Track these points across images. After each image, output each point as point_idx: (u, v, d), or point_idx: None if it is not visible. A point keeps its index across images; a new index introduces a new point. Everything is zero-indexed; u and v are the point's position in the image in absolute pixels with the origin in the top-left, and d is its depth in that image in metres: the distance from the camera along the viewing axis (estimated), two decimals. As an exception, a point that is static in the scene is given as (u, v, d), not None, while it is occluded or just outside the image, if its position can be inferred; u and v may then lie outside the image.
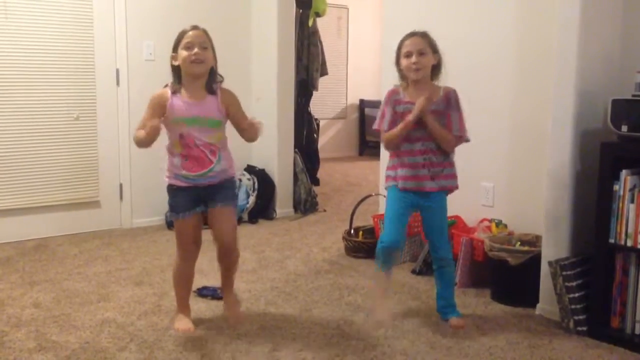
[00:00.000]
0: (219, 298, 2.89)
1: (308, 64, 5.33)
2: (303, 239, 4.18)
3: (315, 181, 5.62)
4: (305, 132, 5.43)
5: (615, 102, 2.53)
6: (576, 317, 2.59)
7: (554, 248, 2.73)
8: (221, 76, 2.52)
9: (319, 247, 3.99)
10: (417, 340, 2.52)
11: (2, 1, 3.80)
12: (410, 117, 2.52)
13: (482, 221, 3.31)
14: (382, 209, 3.90)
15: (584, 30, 2.60)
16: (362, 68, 8.78)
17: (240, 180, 4.58)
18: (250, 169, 4.78)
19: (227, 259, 2.60)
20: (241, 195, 4.56)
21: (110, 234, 4.21)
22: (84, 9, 4.10)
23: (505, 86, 3.27)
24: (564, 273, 2.60)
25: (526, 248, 2.93)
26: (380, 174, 3.89)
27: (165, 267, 3.46)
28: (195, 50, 2.37)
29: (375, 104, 8.06)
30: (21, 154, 3.96)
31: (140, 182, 4.37)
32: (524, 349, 2.45)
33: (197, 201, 2.50)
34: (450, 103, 2.58)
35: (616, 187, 2.48)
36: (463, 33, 3.40)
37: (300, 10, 5.16)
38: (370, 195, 4.00)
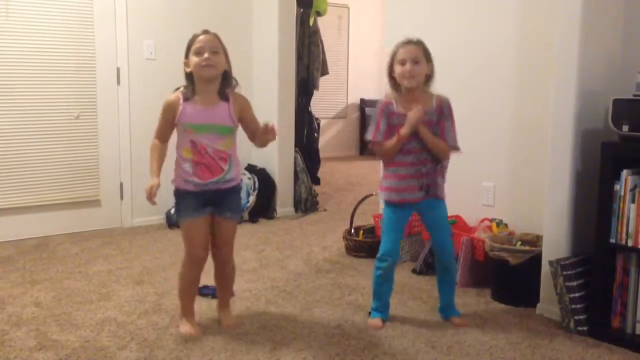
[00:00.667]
0: (220, 297, 2.90)
1: (309, 63, 5.33)
2: (303, 238, 4.18)
3: (316, 180, 5.62)
4: (305, 132, 5.43)
5: (616, 102, 2.53)
6: (577, 317, 2.59)
7: (555, 248, 2.73)
8: (236, 80, 2.49)
9: (319, 246, 3.99)
10: (417, 340, 2.52)
11: (4, 0, 3.81)
12: (403, 131, 2.51)
13: (482, 221, 3.30)
14: (382, 208, 3.91)
15: (585, 29, 2.59)
16: (362, 67, 8.78)
17: (241, 179, 4.58)
18: (250, 168, 4.78)
19: (222, 270, 2.63)
20: (242, 194, 4.55)
21: (111, 233, 4.21)
22: (85, 7, 4.11)
23: (506, 86, 3.26)
24: (565, 273, 2.60)
25: (527, 248, 2.93)
26: (380, 173, 3.89)
27: (166, 266, 3.47)
28: (206, 55, 2.34)
29: (375, 104, 8.04)
30: (22, 152, 3.97)
31: (140, 181, 4.36)
32: (524, 348, 2.45)
33: (206, 203, 2.47)
34: (443, 113, 2.58)
35: (617, 187, 2.48)
36: (464, 32, 3.40)
37: (301, 9, 5.15)
38: (370, 195, 4.00)
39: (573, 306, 2.59)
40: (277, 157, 4.83)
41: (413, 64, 2.51)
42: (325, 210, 5.13)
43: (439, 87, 2.63)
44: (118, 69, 4.27)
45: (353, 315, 2.77)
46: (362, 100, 9.00)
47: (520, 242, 3.01)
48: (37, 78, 3.98)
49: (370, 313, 2.73)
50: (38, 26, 3.95)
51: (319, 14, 5.32)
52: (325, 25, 6.41)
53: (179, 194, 2.50)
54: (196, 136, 2.40)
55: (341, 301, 2.96)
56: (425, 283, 3.21)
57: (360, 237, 3.80)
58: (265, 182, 4.74)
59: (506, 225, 3.25)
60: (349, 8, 8.68)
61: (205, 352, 2.37)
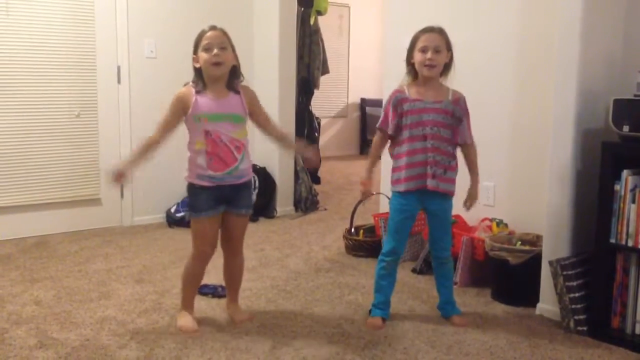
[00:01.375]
0: (220, 296, 2.90)
1: (309, 62, 5.33)
2: (304, 238, 4.18)
3: (316, 180, 5.62)
4: (306, 131, 5.42)
5: (617, 102, 2.53)
6: (576, 317, 2.59)
7: (555, 248, 2.73)
8: (243, 75, 2.53)
9: (319, 245, 3.99)
10: (417, 339, 2.52)
11: (4, -2, 3.81)
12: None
13: (483, 220, 3.30)
14: (382, 208, 3.91)
15: (585, 29, 2.59)
16: (363, 67, 8.78)
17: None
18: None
19: (232, 262, 2.64)
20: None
21: (111, 232, 4.21)
22: (86, 6, 4.10)
23: (506, 86, 3.27)
24: (565, 273, 2.60)
25: (527, 248, 2.93)
26: (381, 173, 3.90)
27: (166, 264, 3.47)
28: (215, 51, 2.37)
29: (376, 103, 8.06)
30: (22, 151, 3.97)
31: (141, 180, 4.37)
32: (524, 348, 2.45)
33: (219, 201, 2.48)
34: (461, 108, 2.58)
35: (617, 187, 2.47)
36: (465, 32, 3.39)
37: (302, 9, 5.15)
38: (371, 194, 3.99)
39: (573, 306, 2.59)
40: (278, 156, 4.82)
41: (434, 53, 2.49)
42: (325, 209, 5.13)
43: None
44: (118, 68, 4.27)
45: (353, 315, 2.77)
46: (362, 100, 9.00)
47: (520, 242, 3.01)
48: (38, 76, 3.98)
49: (370, 311, 2.72)
50: (38, 24, 3.95)
51: (319, 13, 5.32)
52: (326, 24, 6.40)
53: (193, 189, 2.49)
54: (211, 125, 2.41)
55: (341, 300, 2.96)
56: (425, 282, 3.21)
57: (361, 237, 3.79)
58: (265, 181, 4.74)
59: (506, 225, 3.25)
60: (349, 7, 8.68)
61: (205, 351, 2.37)
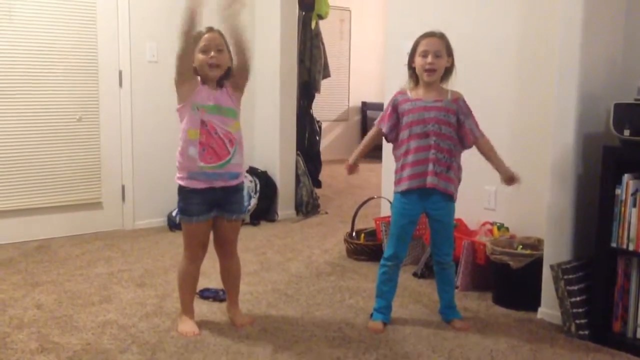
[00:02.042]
0: (221, 300, 2.91)
1: (310, 66, 5.33)
2: (305, 241, 4.18)
3: (317, 183, 5.62)
4: (307, 134, 5.43)
5: (618, 106, 2.53)
6: (578, 321, 2.59)
7: (556, 252, 2.73)
8: (234, 75, 2.56)
9: (320, 249, 3.99)
10: (418, 343, 2.52)
11: (7, 2, 3.82)
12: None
13: (484, 224, 3.30)
14: (384, 211, 3.91)
15: (586, 33, 2.60)
16: (364, 70, 8.79)
17: (244, 177, 4.60)
18: (252, 171, 4.78)
19: (228, 264, 2.66)
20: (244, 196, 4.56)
21: (113, 236, 4.21)
22: (88, 10, 4.11)
23: (507, 90, 3.27)
24: (566, 277, 2.60)
25: (528, 251, 2.93)
26: (382, 176, 3.90)
27: (167, 268, 3.47)
28: (212, 54, 2.44)
29: (377, 107, 8.06)
30: (23, 155, 3.97)
31: (142, 184, 4.38)
32: (525, 352, 2.45)
33: (211, 205, 2.51)
34: (462, 109, 2.59)
35: (618, 191, 2.48)
36: (465, 36, 3.40)
37: (303, 13, 5.16)
38: (372, 198, 4.00)
39: (574, 310, 2.59)
40: (279, 160, 4.83)
41: (434, 57, 2.52)
42: (326, 213, 5.13)
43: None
44: (120, 72, 4.27)
45: (354, 319, 2.77)
46: (363, 103, 9.00)
47: (521, 246, 3.01)
48: (40, 80, 3.98)
49: (372, 315, 2.72)
50: (40, 28, 3.96)
51: (320, 17, 5.33)
52: (327, 28, 6.41)
53: (185, 193, 2.51)
54: (207, 116, 2.45)
55: (342, 304, 2.96)
56: (427, 286, 3.21)
57: (362, 240, 3.79)
58: (266, 185, 4.75)
59: (507, 228, 3.25)
60: (350, 11, 8.69)
61: (207, 355, 2.37)
